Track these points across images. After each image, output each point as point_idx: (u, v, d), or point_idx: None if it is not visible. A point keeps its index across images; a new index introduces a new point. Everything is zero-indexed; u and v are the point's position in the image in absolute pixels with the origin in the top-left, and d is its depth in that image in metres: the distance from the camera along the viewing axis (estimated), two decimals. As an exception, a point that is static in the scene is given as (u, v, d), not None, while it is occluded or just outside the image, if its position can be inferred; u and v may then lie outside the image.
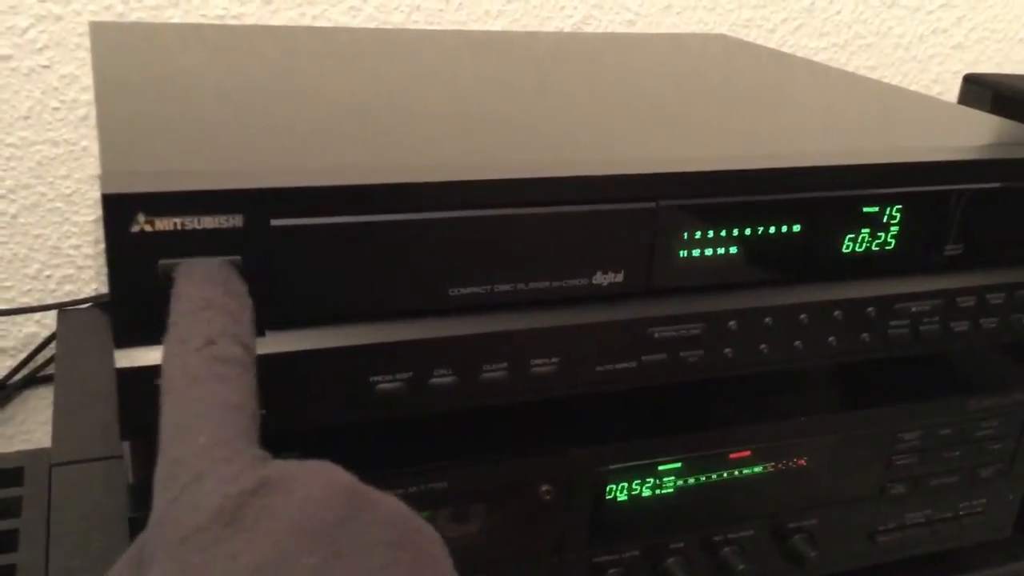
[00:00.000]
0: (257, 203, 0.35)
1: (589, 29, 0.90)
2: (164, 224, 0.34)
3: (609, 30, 0.91)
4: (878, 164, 0.46)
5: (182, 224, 0.35)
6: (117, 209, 0.34)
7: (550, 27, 0.89)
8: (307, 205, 0.36)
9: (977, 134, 0.54)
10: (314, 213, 0.36)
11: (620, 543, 0.49)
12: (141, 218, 0.34)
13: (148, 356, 0.36)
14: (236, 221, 0.35)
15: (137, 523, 0.38)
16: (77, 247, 0.87)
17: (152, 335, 0.36)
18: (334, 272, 0.38)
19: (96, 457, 0.61)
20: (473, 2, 0.86)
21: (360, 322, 0.39)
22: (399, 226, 0.38)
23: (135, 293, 0.35)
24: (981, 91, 0.74)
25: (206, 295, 0.33)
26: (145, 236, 0.34)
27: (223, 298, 0.33)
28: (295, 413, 0.39)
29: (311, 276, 0.37)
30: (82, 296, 0.85)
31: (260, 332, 0.37)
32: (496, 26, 0.87)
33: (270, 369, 0.37)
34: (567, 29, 0.90)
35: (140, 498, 0.40)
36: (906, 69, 1.07)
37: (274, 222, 0.36)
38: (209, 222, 0.35)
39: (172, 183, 0.35)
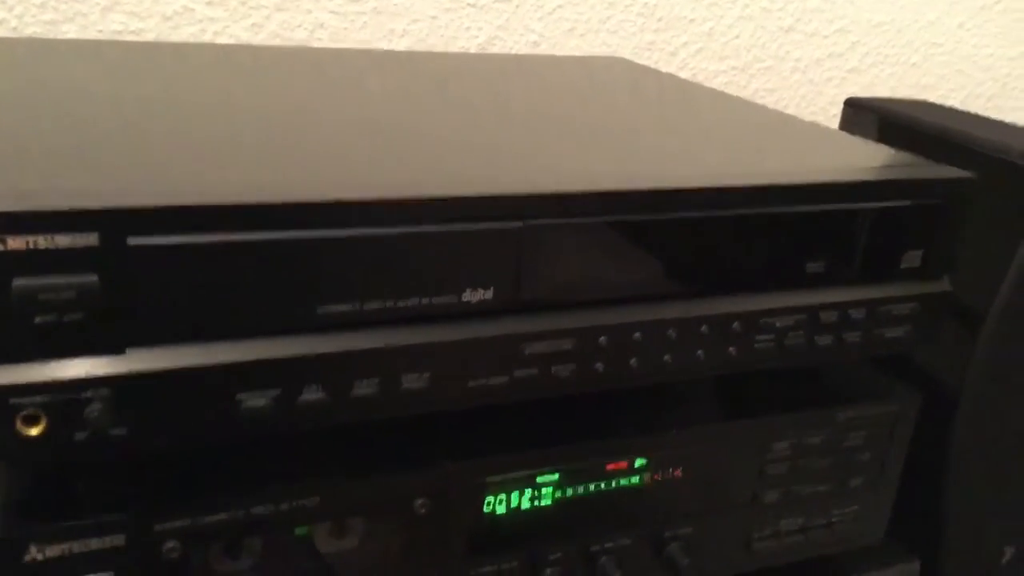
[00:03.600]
0: (112, 221, 0.35)
1: (494, 50, 0.92)
2: (16, 243, 0.34)
3: (514, 51, 0.93)
4: (743, 187, 0.47)
5: (34, 243, 0.35)
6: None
7: (455, 47, 0.90)
8: (166, 223, 0.36)
9: (846, 157, 0.57)
10: (173, 231, 0.37)
11: (498, 554, 0.49)
12: (-10, 248, 0.34)
13: (2, 374, 0.35)
14: (91, 240, 0.35)
15: (-6, 544, 0.38)
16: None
17: (6, 352, 0.36)
18: (197, 290, 0.38)
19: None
20: (377, 22, 0.86)
21: (226, 339, 0.39)
22: (264, 245, 0.38)
23: (-12, 312, 0.35)
24: (864, 115, 0.77)
25: None
26: (-3, 256, 0.34)
27: None
28: (159, 432, 0.39)
29: (173, 294, 0.38)
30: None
31: (121, 350, 0.37)
32: (401, 46, 0.88)
33: (131, 388, 0.38)
34: (472, 50, 0.91)
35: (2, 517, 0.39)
36: (804, 92, 1.11)
37: (131, 240, 0.36)
38: (63, 240, 0.35)
39: (24, 202, 0.34)
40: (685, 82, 0.81)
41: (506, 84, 0.72)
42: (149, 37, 0.79)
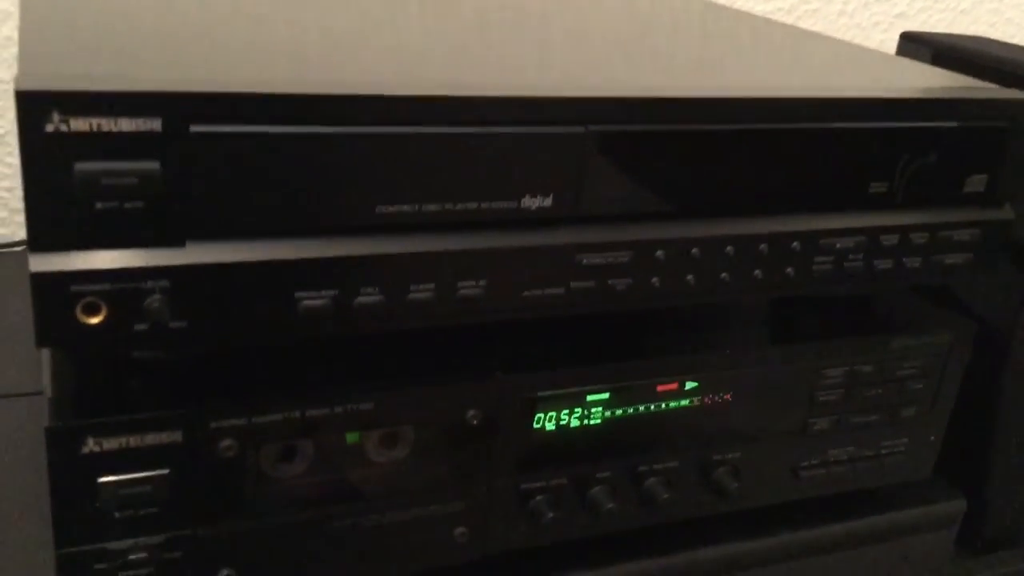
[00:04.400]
0: (176, 107, 0.35)
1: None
2: (80, 124, 0.34)
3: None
4: (809, 98, 0.46)
5: (98, 125, 0.34)
6: (31, 107, 0.33)
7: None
8: (229, 112, 0.36)
9: (909, 78, 0.55)
10: (236, 121, 0.36)
11: (547, 471, 0.49)
12: (56, 117, 0.33)
13: (64, 261, 0.35)
14: (154, 125, 0.35)
15: (54, 433, 0.38)
16: (10, 189, 0.85)
17: (68, 239, 0.35)
18: (257, 183, 0.37)
19: (21, 393, 0.60)
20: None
21: (285, 236, 0.39)
22: (326, 139, 0.38)
23: (50, 196, 0.34)
24: (919, 49, 0.75)
25: None
26: (60, 137, 0.34)
27: None
28: (216, 329, 0.39)
29: (233, 186, 0.37)
30: (15, 239, 0.84)
31: (181, 242, 0.37)
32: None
33: (190, 281, 0.37)
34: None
35: (58, 408, 0.39)
36: (850, 36, 1.08)
37: (194, 128, 0.35)
38: (126, 125, 0.34)
39: (89, 83, 0.34)
40: (743, 11, 0.79)
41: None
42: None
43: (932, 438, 0.59)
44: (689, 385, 0.51)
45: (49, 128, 0.34)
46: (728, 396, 0.52)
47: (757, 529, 0.56)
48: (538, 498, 0.49)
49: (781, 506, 0.56)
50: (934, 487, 0.62)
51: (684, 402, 0.51)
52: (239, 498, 0.42)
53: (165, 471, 0.40)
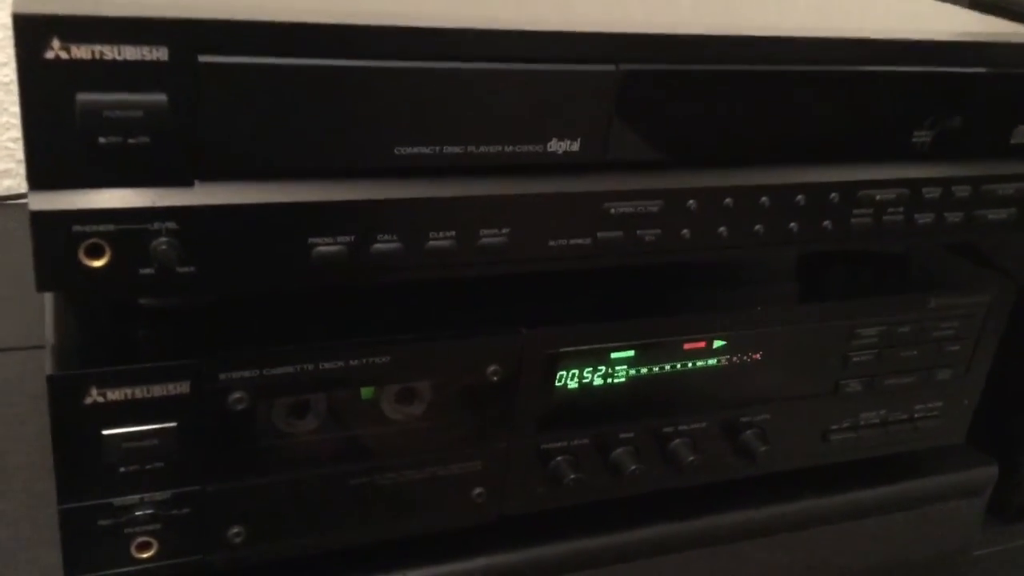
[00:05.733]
0: (183, 35, 0.33)
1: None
2: (81, 52, 0.32)
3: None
4: (850, 39, 0.44)
5: (100, 53, 0.32)
6: (29, 32, 0.31)
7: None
8: (240, 41, 0.34)
9: (954, 22, 0.53)
10: (247, 51, 0.34)
11: (569, 431, 0.47)
12: (56, 43, 0.31)
13: (65, 200, 0.33)
14: (160, 54, 0.33)
15: (56, 382, 0.36)
16: (16, 140, 0.83)
17: (70, 176, 0.33)
18: (270, 120, 0.35)
19: (25, 346, 0.59)
20: None
21: (298, 178, 0.37)
22: (342, 73, 0.35)
23: (50, 130, 0.32)
24: None
25: None
26: (60, 65, 0.32)
27: None
28: (226, 274, 0.37)
29: (244, 123, 0.35)
30: (23, 191, 0.82)
31: (189, 182, 0.35)
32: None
33: (198, 223, 0.35)
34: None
35: (61, 357, 0.37)
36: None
37: (202, 58, 0.33)
38: (130, 53, 0.32)
39: (91, 6, 0.32)
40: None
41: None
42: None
43: (966, 402, 0.57)
44: (717, 343, 0.49)
45: (49, 55, 0.31)
46: (757, 355, 0.50)
47: (784, 494, 0.54)
48: (559, 459, 0.47)
49: (809, 470, 0.55)
50: (965, 453, 0.60)
51: (712, 361, 0.49)
52: (249, 454, 0.41)
53: (172, 424, 0.38)
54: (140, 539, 0.39)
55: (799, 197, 0.45)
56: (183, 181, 0.35)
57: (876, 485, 0.57)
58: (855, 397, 0.53)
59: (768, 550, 0.55)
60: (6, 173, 0.84)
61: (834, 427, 0.54)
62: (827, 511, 0.56)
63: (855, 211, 0.47)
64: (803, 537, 0.55)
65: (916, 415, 0.55)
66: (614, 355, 0.47)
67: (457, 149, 0.39)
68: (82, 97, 0.32)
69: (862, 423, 0.54)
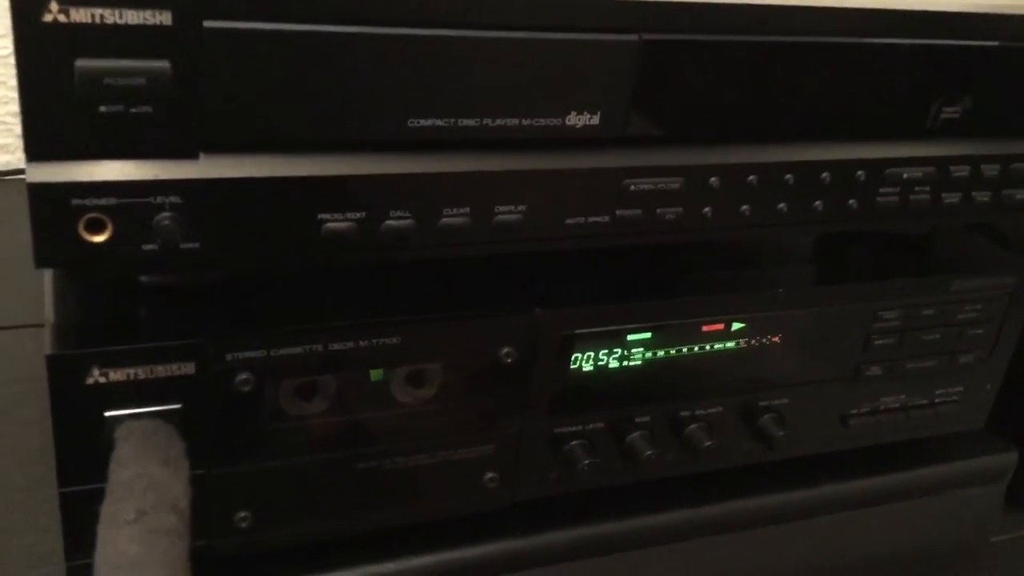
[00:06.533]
0: (188, -2, 0.31)
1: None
2: (80, 15, 0.30)
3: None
4: (879, 10, 0.42)
5: (100, 16, 0.30)
6: (25, -6, 0.30)
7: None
8: (247, 6, 0.32)
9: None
10: (254, 16, 0.32)
11: (583, 415, 0.46)
12: (53, 6, 0.30)
13: (64, 172, 0.32)
14: (164, 18, 0.31)
15: (56, 362, 0.35)
16: (16, 114, 0.81)
17: (69, 147, 0.32)
18: (278, 90, 0.33)
19: (23, 324, 0.58)
20: None
21: (307, 151, 0.35)
22: (353, 41, 0.34)
23: (49, 97, 0.31)
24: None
25: (141, 463, 0.34)
26: (59, 28, 0.30)
27: (158, 467, 0.34)
28: (231, 251, 0.35)
29: (251, 92, 0.33)
30: (22, 166, 0.80)
31: (194, 154, 0.33)
32: None
33: (203, 197, 0.34)
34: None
35: (61, 336, 0.36)
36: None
37: (208, 23, 0.32)
38: (132, 17, 0.31)
39: (89, -33, 0.30)
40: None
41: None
42: None
43: (988, 387, 0.56)
44: (736, 326, 0.48)
45: (47, 18, 0.30)
46: (776, 338, 0.49)
47: (801, 479, 0.53)
48: (573, 443, 0.46)
49: (827, 455, 0.53)
50: (985, 439, 0.59)
51: (730, 344, 0.48)
52: (256, 437, 0.39)
53: (177, 406, 0.37)
54: (143, 524, 0.38)
55: (824, 175, 0.44)
56: (187, 153, 0.33)
57: (894, 471, 0.56)
58: (875, 381, 0.52)
59: (784, 536, 0.53)
60: (4, 148, 0.82)
61: (853, 412, 0.52)
62: (844, 497, 0.54)
63: (881, 190, 0.45)
64: (820, 523, 0.54)
65: (937, 400, 0.54)
66: (630, 337, 0.46)
67: (472, 122, 0.37)
68: (81, 63, 0.30)
69: (882, 408, 0.53)
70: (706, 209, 0.42)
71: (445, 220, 0.38)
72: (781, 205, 0.43)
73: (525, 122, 0.38)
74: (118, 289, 0.39)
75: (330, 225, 0.36)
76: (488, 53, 0.36)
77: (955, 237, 0.56)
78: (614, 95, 0.39)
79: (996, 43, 0.45)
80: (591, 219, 0.41)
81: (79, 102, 0.31)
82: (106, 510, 0.32)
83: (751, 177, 0.42)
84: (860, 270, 0.51)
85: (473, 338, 0.42)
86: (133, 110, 0.32)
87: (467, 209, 0.38)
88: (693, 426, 0.48)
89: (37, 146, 0.32)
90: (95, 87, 0.31)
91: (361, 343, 0.40)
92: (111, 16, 0.30)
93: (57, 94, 0.31)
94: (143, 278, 0.39)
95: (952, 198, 0.47)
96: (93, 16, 0.30)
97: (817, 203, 0.44)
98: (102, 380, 0.36)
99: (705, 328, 0.47)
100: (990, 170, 0.47)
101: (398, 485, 0.43)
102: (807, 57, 0.42)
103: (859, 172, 0.44)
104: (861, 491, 0.55)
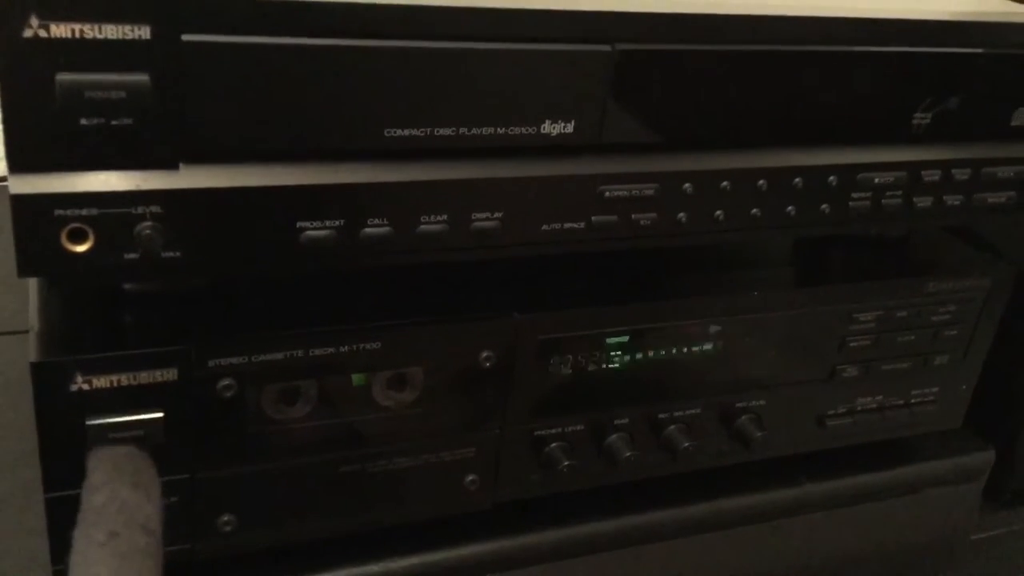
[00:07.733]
0: (166, 12, 0.32)
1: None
2: (60, 30, 0.31)
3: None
4: (849, 19, 0.43)
5: (80, 31, 0.31)
6: (6, 10, 0.30)
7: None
8: (225, 19, 0.33)
9: (954, 1, 0.52)
10: (233, 30, 0.33)
11: (563, 417, 0.47)
12: (34, 21, 0.30)
13: (46, 183, 0.32)
14: (143, 32, 0.32)
15: (40, 369, 0.35)
16: None
17: (51, 159, 0.32)
18: (256, 101, 0.34)
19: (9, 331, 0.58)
20: None
21: (286, 160, 0.36)
22: (331, 53, 0.35)
23: (31, 111, 0.32)
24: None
25: (112, 487, 0.34)
26: (40, 43, 0.31)
27: (129, 490, 0.34)
28: (212, 259, 0.36)
29: (230, 104, 0.34)
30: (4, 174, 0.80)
31: (174, 165, 0.34)
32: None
33: (183, 206, 0.34)
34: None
35: (45, 343, 0.37)
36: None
37: (186, 36, 0.32)
38: (112, 31, 0.31)
39: (69, -17, 0.31)
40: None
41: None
42: None
43: (964, 387, 0.57)
44: (712, 328, 0.48)
45: (27, 34, 0.30)
46: (753, 340, 0.49)
47: (780, 479, 0.54)
48: (553, 445, 0.47)
49: (805, 456, 0.54)
50: (962, 438, 0.60)
51: (707, 346, 0.49)
52: (239, 442, 0.40)
53: (160, 413, 0.38)
54: (128, 528, 0.39)
55: (797, 180, 0.44)
56: (168, 164, 0.34)
57: (872, 470, 0.56)
58: (852, 382, 0.53)
59: (764, 536, 0.54)
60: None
61: (830, 412, 0.53)
62: (823, 496, 0.55)
63: (854, 194, 0.46)
64: (799, 522, 0.55)
65: (913, 400, 0.55)
66: (608, 340, 0.46)
67: (449, 131, 0.38)
68: (62, 77, 0.31)
69: (859, 408, 0.54)
70: (681, 215, 0.43)
71: (423, 227, 0.39)
72: (754, 210, 0.44)
73: (500, 131, 0.39)
74: (102, 296, 0.40)
75: (309, 233, 0.37)
76: (464, 64, 0.37)
77: (931, 239, 0.57)
78: (589, 104, 0.39)
79: (967, 50, 0.46)
80: (567, 225, 0.41)
81: (60, 115, 0.32)
82: (78, 534, 0.32)
83: (724, 183, 0.43)
84: (836, 272, 0.52)
85: (453, 343, 0.43)
86: (114, 122, 0.32)
87: (444, 216, 0.39)
88: (672, 428, 0.49)
89: (20, 158, 0.32)
90: (76, 100, 0.31)
91: (342, 348, 0.40)
92: (91, 31, 0.31)
93: (39, 107, 0.31)
94: (126, 285, 0.39)
95: (924, 202, 0.48)
96: (73, 31, 0.31)
97: (790, 208, 0.45)
98: (85, 387, 0.36)
99: (682, 331, 0.48)
100: (961, 174, 0.48)
101: (381, 488, 0.44)
102: (779, 65, 0.42)
103: (831, 177, 0.45)
104: (841, 490, 0.56)
